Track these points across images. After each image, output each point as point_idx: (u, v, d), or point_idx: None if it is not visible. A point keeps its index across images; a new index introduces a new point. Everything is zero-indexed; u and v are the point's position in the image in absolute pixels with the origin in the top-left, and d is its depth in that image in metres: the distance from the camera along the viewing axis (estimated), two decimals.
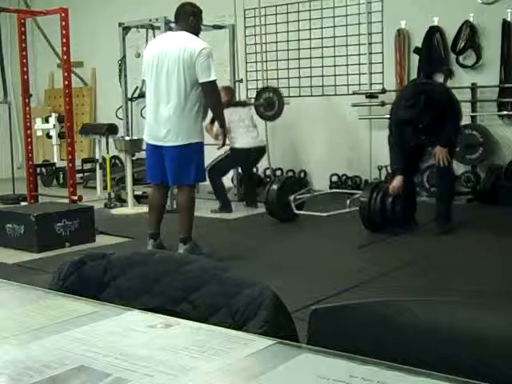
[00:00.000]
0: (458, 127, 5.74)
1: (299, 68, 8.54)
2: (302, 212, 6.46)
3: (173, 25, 7.25)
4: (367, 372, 0.78)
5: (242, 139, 7.17)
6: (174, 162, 4.80)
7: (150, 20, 7.42)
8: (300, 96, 8.58)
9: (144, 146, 7.32)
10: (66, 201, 6.52)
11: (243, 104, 7.64)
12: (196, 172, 4.85)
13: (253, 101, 8.08)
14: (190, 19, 4.87)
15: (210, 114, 5.72)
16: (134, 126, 8.89)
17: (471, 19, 7.21)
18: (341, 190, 7.51)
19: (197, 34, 4.89)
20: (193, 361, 0.83)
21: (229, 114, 6.92)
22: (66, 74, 6.59)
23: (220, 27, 7.88)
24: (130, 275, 1.26)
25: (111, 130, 8.11)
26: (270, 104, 7.85)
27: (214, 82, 4.73)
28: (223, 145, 5.39)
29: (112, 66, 8.39)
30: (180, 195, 4.95)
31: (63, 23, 6.46)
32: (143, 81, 5.01)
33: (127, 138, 7.42)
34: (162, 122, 4.76)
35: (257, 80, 8.72)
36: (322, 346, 0.87)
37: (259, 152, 7.35)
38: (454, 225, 5.75)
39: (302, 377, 0.79)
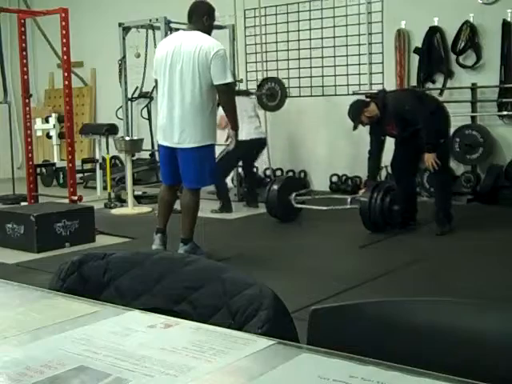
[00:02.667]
0: (437, 130, 5.62)
1: (299, 68, 8.54)
2: (302, 206, 6.46)
3: (174, 25, 7.31)
4: (367, 372, 0.78)
5: (244, 130, 7.11)
6: (189, 165, 4.72)
7: (150, 20, 7.43)
8: (300, 96, 8.58)
9: (144, 147, 7.39)
10: (66, 201, 6.52)
11: (246, 93, 7.57)
12: (210, 174, 4.82)
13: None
14: (204, 18, 4.77)
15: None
16: (134, 126, 8.90)
17: (471, 19, 7.21)
18: (341, 196, 7.27)
19: (209, 33, 4.81)
20: (193, 361, 0.83)
21: None
22: (65, 74, 6.60)
23: (220, 27, 7.87)
24: (129, 275, 1.26)
25: (111, 130, 8.11)
26: (272, 94, 7.82)
27: (229, 85, 4.68)
28: (234, 147, 5.34)
29: (112, 66, 8.39)
30: (186, 196, 4.86)
31: (63, 23, 6.46)
32: (156, 80, 4.90)
33: (127, 138, 7.41)
34: (175, 123, 4.67)
35: (257, 80, 8.72)
36: (322, 346, 0.87)
37: (260, 144, 7.25)
38: (454, 225, 5.75)
39: (301, 377, 0.79)
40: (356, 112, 5.95)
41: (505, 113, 7.16)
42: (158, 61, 4.77)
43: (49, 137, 8.54)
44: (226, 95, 4.71)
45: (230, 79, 4.65)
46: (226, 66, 4.65)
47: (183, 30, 5.04)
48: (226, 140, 6.20)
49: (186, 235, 4.85)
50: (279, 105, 7.88)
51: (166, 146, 4.81)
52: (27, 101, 6.97)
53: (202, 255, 4.73)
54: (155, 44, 7.57)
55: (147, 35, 8.09)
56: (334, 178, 8.34)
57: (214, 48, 4.59)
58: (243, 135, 7.02)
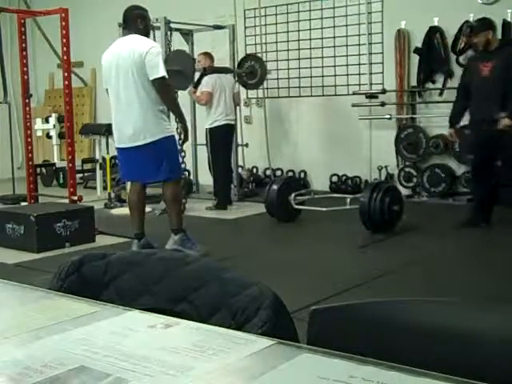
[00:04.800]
0: None
1: (299, 68, 8.54)
2: (301, 207, 6.46)
3: (174, 25, 7.31)
4: (367, 372, 0.78)
5: (216, 116, 7.14)
6: (144, 161, 4.91)
7: (150, 20, 7.41)
8: (300, 96, 8.58)
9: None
10: (66, 201, 6.51)
11: (226, 70, 7.55)
12: (168, 167, 4.94)
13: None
14: (138, 22, 5.00)
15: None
16: None
17: (471, 19, 7.20)
18: (341, 195, 7.21)
19: (147, 34, 5.09)
20: (193, 361, 0.83)
21: (213, 80, 7.00)
22: (65, 74, 6.59)
23: (220, 27, 7.89)
24: (129, 275, 1.26)
25: (111, 130, 8.09)
26: (252, 72, 7.83)
27: (163, 79, 4.82)
28: (185, 140, 5.52)
29: None
30: (166, 190, 5.06)
31: (63, 23, 6.45)
32: (106, 89, 5.14)
33: None
34: (126, 125, 4.90)
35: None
36: (322, 346, 0.87)
37: (227, 128, 7.28)
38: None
39: (301, 377, 0.79)
40: (484, 25, 5.69)
41: None
42: (104, 71, 5.05)
43: (49, 137, 8.55)
44: (161, 90, 4.84)
45: (162, 74, 4.79)
46: (157, 61, 4.80)
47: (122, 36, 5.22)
48: (180, 134, 6.12)
49: (175, 225, 4.99)
50: (258, 82, 7.89)
51: (122, 148, 5.02)
52: (27, 101, 6.96)
53: (193, 247, 4.84)
54: None
55: None
56: (334, 178, 8.33)
57: (145, 47, 4.81)
58: (213, 123, 7.09)
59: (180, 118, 5.17)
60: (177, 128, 5.40)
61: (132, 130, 4.87)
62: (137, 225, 5.08)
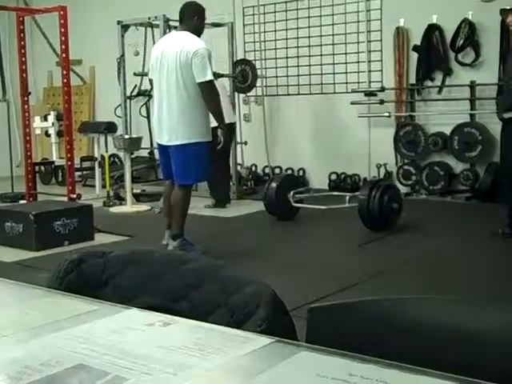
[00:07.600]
0: None
1: (298, 66, 8.53)
2: (300, 205, 6.45)
3: (173, 23, 7.31)
4: (366, 370, 0.78)
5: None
6: (176, 161, 4.86)
7: (149, 18, 7.42)
8: (299, 94, 8.58)
9: (143, 145, 7.41)
10: (65, 199, 6.52)
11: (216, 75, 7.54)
12: (196, 172, 4.90)
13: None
14: (194, 19, 4.91)
15: None
16: (133, 124, 8.90)
17: (470, 17, 7.20)
18: (340, 193, 7.00)
19: (200, 33, 4.96)
20: (191, 359, 0.83)
21: None
22: (64, 72, 6.59)
23: (219, 25, 7.88)
24: (128, 274, 1.26)
25: (110, 128, 8.10)
26: (243, 76, 7.83)
27: (210, 82, 4.76)
28: (223, 146, 5.40)
29: (111, 64, 8.38)
30: (176, 192, 4.98)
31: (62, 21, 6.46)
32: (150, 80, 5.09)
33: (126, 136, 7.42)
34: (164, 122, 4.85)
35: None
36: (321, 344, 0.87)
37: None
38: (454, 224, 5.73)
39: (300, 375, 0.79)
40: None
41: None
42: (152, 62, 4.97)
43: (47, 135, 8.54)
44: (207, 93, 4.78)
45: (209, 77, 4.73)
46: (205, 64, 4.71)
47: (175, 30, 5.15)
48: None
49: (175, 230, 4.96)
50: (251, 86, 7.91)
51: (160, 144, 5.00)
52: (26, 99, 6.96)
53: (193, 252, 4.77)
54: (154, 42, 7.57)
55: (146, 33, 8.09)
56: (333, 176, 8.33)
57: (194, 47, 4.71)
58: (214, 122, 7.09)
59: (221, 123, 5.04)
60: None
61: (167, 127, 4.82)
62: (166, 216, 5.11)
